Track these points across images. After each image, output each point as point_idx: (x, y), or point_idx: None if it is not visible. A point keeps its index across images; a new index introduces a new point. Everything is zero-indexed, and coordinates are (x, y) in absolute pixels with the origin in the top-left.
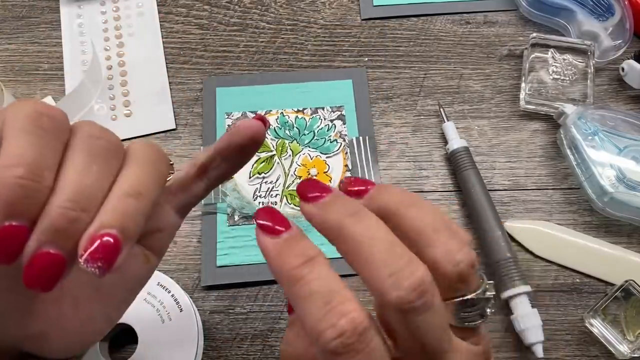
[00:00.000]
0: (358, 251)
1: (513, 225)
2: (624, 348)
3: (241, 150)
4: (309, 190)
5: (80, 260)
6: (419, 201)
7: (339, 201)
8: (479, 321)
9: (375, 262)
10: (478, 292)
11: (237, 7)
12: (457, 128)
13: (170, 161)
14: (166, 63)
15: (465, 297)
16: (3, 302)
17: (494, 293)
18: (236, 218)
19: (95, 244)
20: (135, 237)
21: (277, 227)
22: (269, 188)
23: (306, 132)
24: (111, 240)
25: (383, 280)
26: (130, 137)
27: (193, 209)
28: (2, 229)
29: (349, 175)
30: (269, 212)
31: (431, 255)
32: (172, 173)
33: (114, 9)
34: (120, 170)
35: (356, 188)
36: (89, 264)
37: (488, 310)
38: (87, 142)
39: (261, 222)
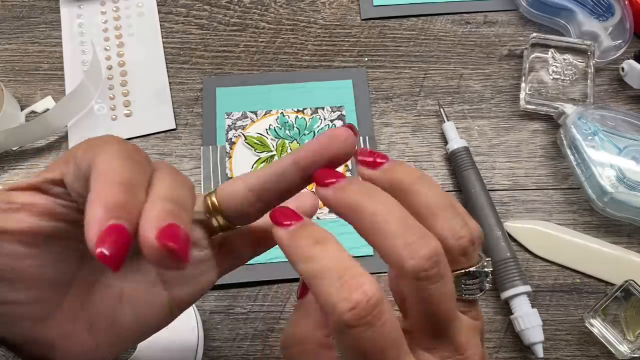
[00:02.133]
0: (375, 226)
1: (513, 225)
2: (624, 348)
3: (334, 164)
4: (325, 176)
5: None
6: (428, 179)
7: (355, 183)
8: (479, 294)
9: (392, 235)
10: (478, 265)
11: (237, 7)
12: (457, 128)
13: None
14: (166, 63)
15: (468, 270)
16: (30, 303)
17: (492, 269)
18: None
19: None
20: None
21: (290, 220)
22: None
23: (306, 132)
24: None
25: (400, 250)
26: (130, 137)
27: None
28: (109, 227)
29: (349, 175)
30: (283, 210)
31: (438, 230)
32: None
33: (114, 9)
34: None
35: (372, 159)
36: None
37: (487, 284)
38: (170, 171)
39: (275, 218)
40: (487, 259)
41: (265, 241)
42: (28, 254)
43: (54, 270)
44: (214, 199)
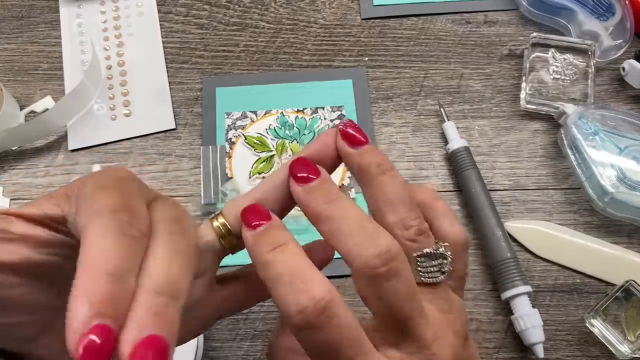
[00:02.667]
0: (332, 229)
1: (514, 226)
2: (624, 348)
3: (331, 168)
4: (300, 169)
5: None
6: (394, 172)
7: (323, 188)
8: (439, 277)
9: (345, 235)
10: (433, 247)
11: (237, 6)
12: (457, 128)
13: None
14: (166, 63)
15: (423, 251)
16: (21, 326)
17: (449, 253)
18: None
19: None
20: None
21: (258, 221)
22: None
23: (306, 132)
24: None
25: (351, 249)
26: (130, 137)
27: (193, 209)
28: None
29: (349, 179)
30: (254, 208)
31: (390, 222)
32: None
33: (114, 8)
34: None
35: (354, 135)
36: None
37: (446, 267)
38: (167, 238)
39: (244, 217)
40: (444, 244)
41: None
42: (20, 283)
43: (46, 296)
44: (222, 220)
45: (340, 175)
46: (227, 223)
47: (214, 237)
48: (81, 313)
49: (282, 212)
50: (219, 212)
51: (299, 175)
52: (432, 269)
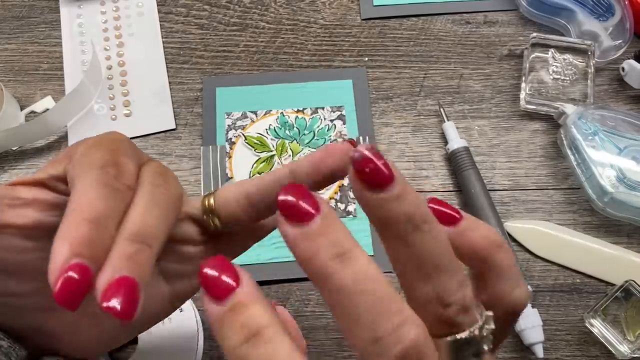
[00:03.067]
0: (341, 304)
1: (513, 225)
2: (624, 348)
3: (329, 178)
4: (291, 205)
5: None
6: (436, 224)
7: (329, 231)
8: None
9: (360, 323)
10: (472, 329)
11: (237, 7)
12: (457, 128)
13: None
14: (166, 63)
15: (460, 337)
16: (34, 294)
17: (493, 327)
18: None
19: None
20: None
21: (222, 290)
22: None
23: (306, 132)
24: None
25: (367, 346)
26: (130, 137)
27: None
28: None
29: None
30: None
31: (424, 293)
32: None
33: (114, 8)
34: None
35: (375, 174)
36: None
37: (485, 346)
38: (151, 189)
39: (285, 209)
40: (488, 313)
41: (265, 230)
42: (32, 247)
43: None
44: (212, 200)
45: None
46: (212, 203)
47: (199, 210)
48: (61, 253)
49: (271, 213)
50: (215, 190)
51: (288, 210)
52: (465, 355)
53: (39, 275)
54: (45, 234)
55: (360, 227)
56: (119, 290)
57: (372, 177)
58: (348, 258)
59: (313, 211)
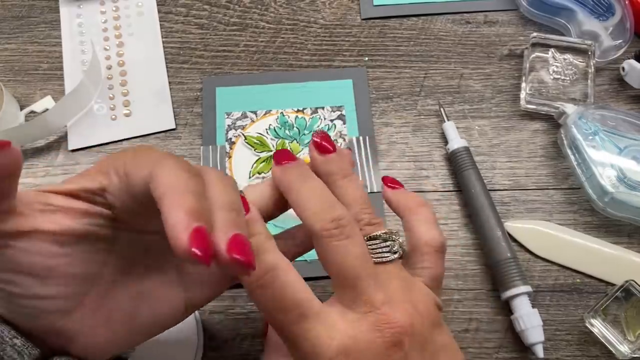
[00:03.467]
0: (298, 200)
1: (513, 225)
2: (624, 348)
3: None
4: (282, 157)
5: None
6: (354, 179)
7: (297, 168)
8: (390, 256)
9: (308, 205)
10: (383, 232)
11: (237, 6)
12: (457, 128)
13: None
14: (166, 63)
15: (370, 234)
16: (57, 298)
17: (400, 238)
18: None
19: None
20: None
21: (287, 160)
22: None
23: (306, 132)
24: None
25: (310, 216)
26: (130, 137)
27: None
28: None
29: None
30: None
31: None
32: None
33: (114, 8)
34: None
35: (321, 144)
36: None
37: (396, 248)
38: (218, 177)
39: (276, 158)
40: (395, 231)
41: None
42: (60, 253)
43: (81, 268)
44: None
45: None
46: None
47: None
48: (182, 219)
49: (277, 212)
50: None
51: (278, 159)
52: (380, 250)
53: (63, 280)
54: (74, 240)
55: None
56: (237, 244)
57: (322, 147)
58: (306, 179)
59: (292, 160)
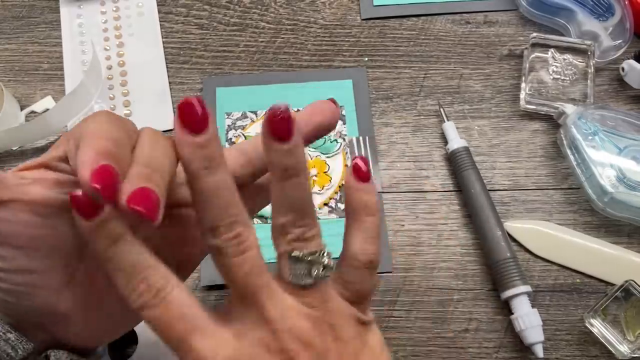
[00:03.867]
0: (201, 199)
1: (513, 225)
2: (624, 348)
3: (317, 133)
4: (190, 113)
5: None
6: (299, 178)
7: (209, 145)
8: (307, 280)
9: (207, 214)
10: (304, 252)
11: (237, 7)
12: (457, 128)
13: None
14: (166, 63)
15: (291, 254)
16: (45, 272)
17: (326, 261)
18: None
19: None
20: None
21: (91, 211)
22: None
23: None
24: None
25: (207, 231)
26: None
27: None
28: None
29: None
30: (84, 197)
31: (275, 223)
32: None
33: (114, 8)
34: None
35: (279, 129)
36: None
37: (315, 272)
38: (151, 137)
39: (76, 204)
40: (327, 252)
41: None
42: (42, 223)
43: (67, 241)
44: None
45: (340, 175)
46: None
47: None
48: (89, 156)
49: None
50: None
51: (185, 119)
52: (299, 272)
53: (49, 252)
54: (53, 211)
55: None
56: (142, 196)
57: (279, 132)
58: (214, 169)
59: (203, 127)
